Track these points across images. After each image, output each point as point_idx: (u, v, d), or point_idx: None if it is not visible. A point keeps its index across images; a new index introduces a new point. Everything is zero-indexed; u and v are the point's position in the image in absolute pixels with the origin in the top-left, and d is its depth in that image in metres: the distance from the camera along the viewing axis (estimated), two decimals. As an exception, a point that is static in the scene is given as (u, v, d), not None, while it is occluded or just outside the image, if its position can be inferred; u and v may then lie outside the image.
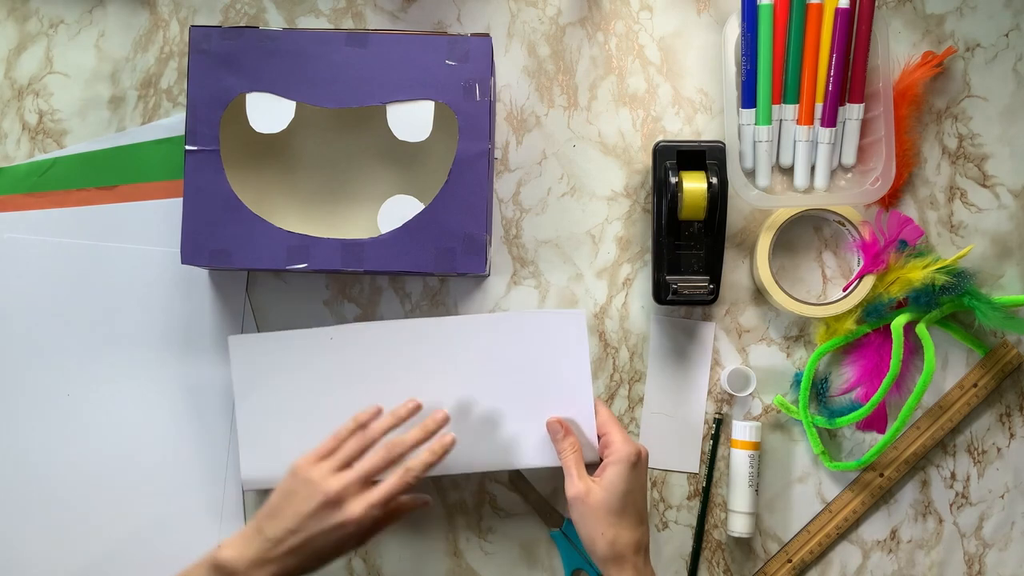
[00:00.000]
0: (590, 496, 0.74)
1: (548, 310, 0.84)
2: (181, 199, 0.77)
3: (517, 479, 0.83)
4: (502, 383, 0.80)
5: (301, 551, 0.70)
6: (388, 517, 0.74)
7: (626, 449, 0.75)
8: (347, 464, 0.72)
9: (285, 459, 0.74)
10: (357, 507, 0.70)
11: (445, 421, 0.76)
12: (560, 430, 0.78)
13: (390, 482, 0.71)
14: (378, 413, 0.76)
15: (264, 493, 0.83)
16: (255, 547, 0.69)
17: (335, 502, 0.69)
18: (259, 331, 0.84)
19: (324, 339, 0.80)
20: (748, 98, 0.82)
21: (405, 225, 0.77)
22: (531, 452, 0.80)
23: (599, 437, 0.79)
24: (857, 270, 0.83)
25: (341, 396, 0.80)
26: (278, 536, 0.69)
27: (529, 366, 0.80)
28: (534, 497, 0.83)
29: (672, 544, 0.84)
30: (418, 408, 0.77)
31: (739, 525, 0.82)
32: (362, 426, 0.75)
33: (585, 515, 0.74)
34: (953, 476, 0.84)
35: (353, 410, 0.76)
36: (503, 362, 0.80)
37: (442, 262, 0.77)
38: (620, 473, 0.74)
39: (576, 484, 0.75)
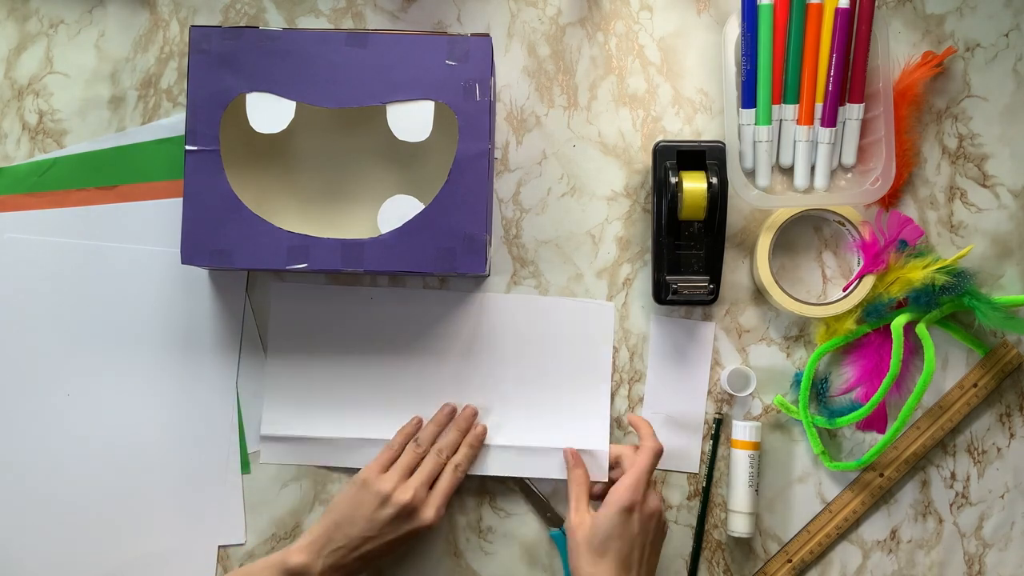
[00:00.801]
0: (579, 531, 0.76)
1: (581, 299, 0.85)
2: (181, 199, 0.77)
3: (518, 479, 0.83)
4: (528, 363, 0.83)
5: (372, 555, 0.76)
6: None
7: (625, 496, 0.75)
8: (409, 472, 0.79)
9: (307, 412, 0.83)
10: (430, 511, 0.77)
11: (475, 416, 0.83)
12: (571, 460, 0.81)
13: (447, 481, 0.79)
14: (419, 424, 0.82)
15: (278, 455, 0.83)
16: (327, 555, 0.75)
17: (411, 510, 0.77)
18: (260, 332, 0.84)
19: (364, 298, 0.83)
20: (748, 98, 0.82)
21: (405, 225, 0.77)
22: (546, 432, 0.83)
23: (615, 470, 0.81)
24: (857, 270, 0.83)
25: (371, 355, 0.83)
26: (352, 544, 0.75)
27: (556, 350, 0.84)
28: (534, 497, 0.83)
29: (672, 544, 0.84)
30: (454, 412, 0.83)
31: (739, 525, 0.82)
32: (409, 436, 0.81)
33: (572, 547, 0.76)
34: (953, 476, 0.84)
35: (380, 372, 0.83)
36: (531, 343, 0.84)
37: (442, 262, 0.77)
38: (610, 516, 0.75)
39: (573, 515, 0.78)
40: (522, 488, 0.83)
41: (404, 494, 0.76)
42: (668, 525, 0.82)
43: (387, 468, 0.79)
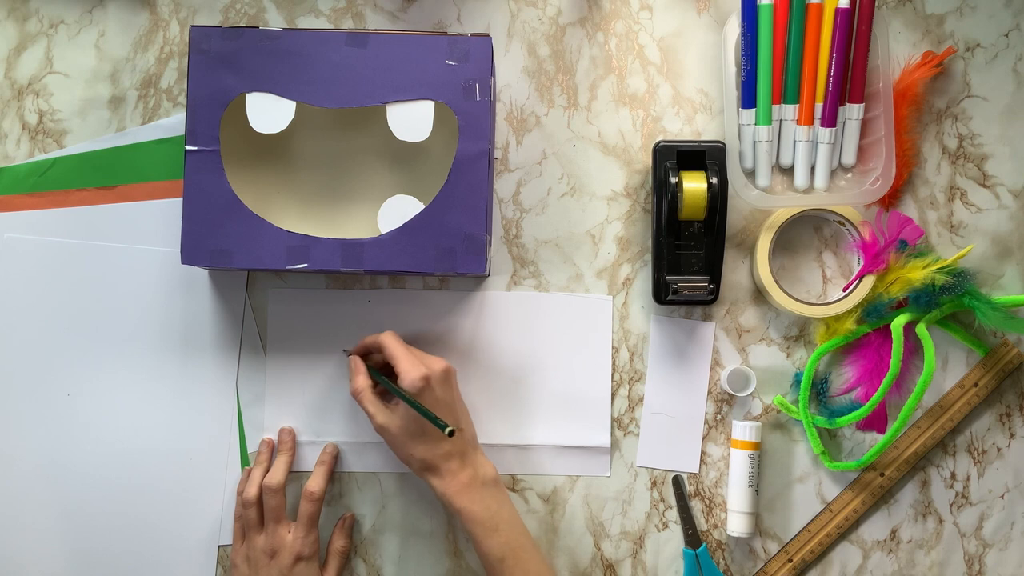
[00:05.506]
0: (390, 428, 0.76)
1: (580, 294, 0.85)
2: (181, 199, 0.77)
3: (677, 484, 0.83)
4: (528, 362, 0.84)
5: None
6: (338, 554, 0.82)
7: (412, 376, 0.75)
8: (261, 524, 0.81)
9: (308, 414, 0.83)
10: (292, 540, 0.79)
11: (291, 435, 0.83)
12: (354, 368, 0.80)
13: (301, 511, 0.80)
14: (248, 475, 0.82)
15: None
16: None
17: (274, 551, 0.79)
18: (260, 332, 0.84)
19: (362, 301, 0.84)
20: (748, 98, 0.82)
21: (405, 225, 0.77)
22: (546, 429, 0.83)
23: (391, 367, 0.80)
24: (857, 270, 0.83)
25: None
26: None
27: (556, 348, 0.84)
28: (685, 512, 0.83)
29: (672, 544, 0.84)
30: (271, 445, 0.83)
31: (739, 525, 0.82)
32: (241, 498, 0.81)
33: (393, 443, 0.78)
34: (953, 476, 0.84)
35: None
36: (531, 341, 0.84)
37: (442, 262, 0.77)
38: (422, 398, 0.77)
39: (377, 418, 0.77)
40: (676, 494, 0.83)
41: (260, 543, 0.79)
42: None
43: (244, 536, 0.81)
